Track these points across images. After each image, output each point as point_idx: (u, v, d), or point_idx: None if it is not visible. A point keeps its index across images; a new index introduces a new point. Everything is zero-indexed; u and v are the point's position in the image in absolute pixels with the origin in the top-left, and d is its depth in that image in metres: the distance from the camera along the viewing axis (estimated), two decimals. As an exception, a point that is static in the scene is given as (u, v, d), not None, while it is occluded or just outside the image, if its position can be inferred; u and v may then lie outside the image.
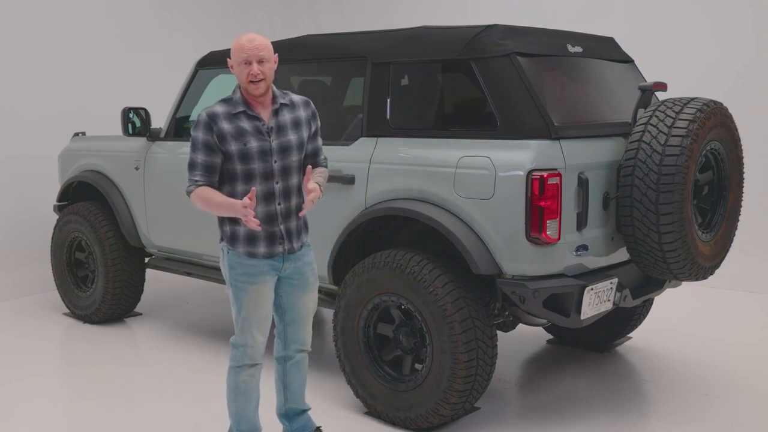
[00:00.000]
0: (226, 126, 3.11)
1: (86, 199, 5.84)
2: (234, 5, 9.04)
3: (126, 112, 5.21)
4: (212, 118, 3.11)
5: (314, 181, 3.21)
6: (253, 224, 2.95)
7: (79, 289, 5.85)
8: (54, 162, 6.39)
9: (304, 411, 3.61)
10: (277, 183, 3.18)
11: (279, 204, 3.20)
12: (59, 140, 6.49)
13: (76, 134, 6.15)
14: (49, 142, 6.74)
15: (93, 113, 7.19)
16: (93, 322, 5.76)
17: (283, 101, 3.22)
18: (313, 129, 3.33)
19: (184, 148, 5.02)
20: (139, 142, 5.35)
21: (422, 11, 8.16)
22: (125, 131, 5.24)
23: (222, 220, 3.24)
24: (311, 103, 3.34)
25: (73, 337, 5.55)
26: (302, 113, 3.27)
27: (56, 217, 6.04)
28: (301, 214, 3.22)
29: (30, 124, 6.89)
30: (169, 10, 8.25)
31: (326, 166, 3.45)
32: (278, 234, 3.20)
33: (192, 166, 3.15)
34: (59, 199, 6.01)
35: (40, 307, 6.30)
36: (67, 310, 6.06)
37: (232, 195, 3.15)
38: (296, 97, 3.30)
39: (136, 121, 5.24)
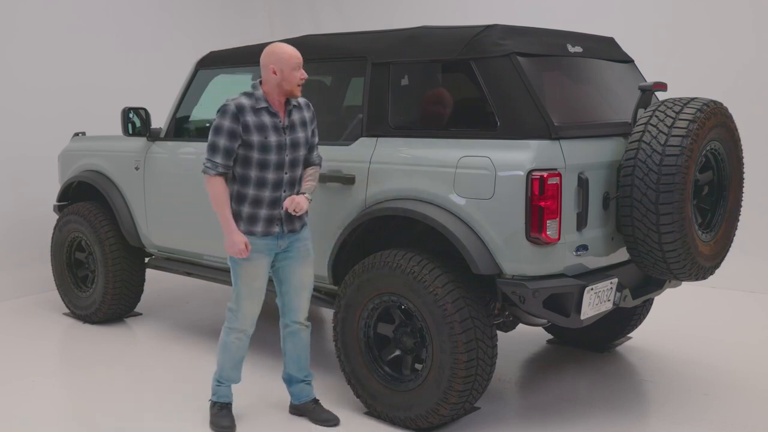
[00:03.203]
0: (251, 118, 3.57)
1: (86, 199, 5.85)
2: (234, 5, 9.03)
3: (126, 112, 5.20)
4: (240, 110, 3.56)
5: (303, 190, 3.72)
6: (244, 255, 3.58)
7: (79, 289, 5.85)
8: (54, 162, 6.39)
9: (302, 381, 4.00)
10: (286, 173, 3.66)
11: (285, 191, 3.67)
12: (59, 140, 6.49)
13: (76, 134, 6.15)
14: (49, 142, 6.74)
15: (93, 113, 7.19)
16: (93, 322, 5.76)
17: (294, 103, 3.70)
18: (313, 127, 3.81)
19: (184, 148, 5.02)
20: (139, 142, 5.35)
21: (422, 11, 8.16)
22: (125, 131, 5.24)
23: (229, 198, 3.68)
24: (311, 104, 3.83)
25: (73, 337, 5.55)
26: (306, 114, 3.77)
27: (56, 217, 6.04)
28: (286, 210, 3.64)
29: (30, 124, 6.89)
30: (169, 10, 8.25)
31: (320, 164, 3.88)
32: (277, 216, 3.67)
33: (213, 148, 3.57)
34: (59, 199, 6.01)
35: (40, 307, 6.30)
36: (67, 310, 6.06)
37: (245, 178, 3.62)
38: (301, 100, 3.77)
39: (136, 121, 5.23)
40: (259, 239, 3.64)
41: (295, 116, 3.69)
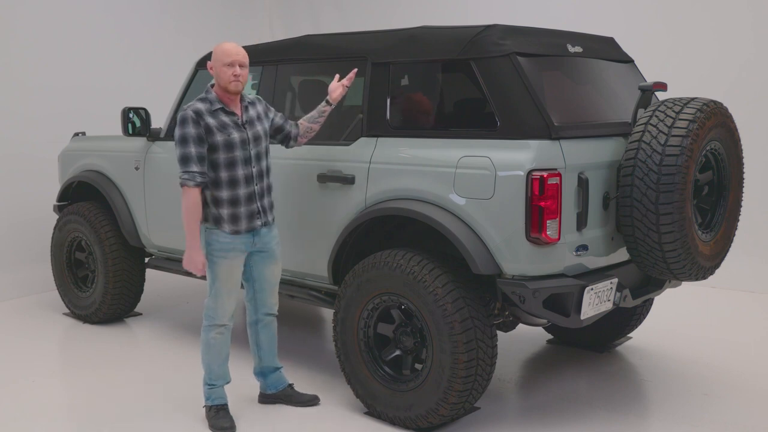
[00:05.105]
0: (210, 120, 3.64)
1: (86, 199, 5.85)
2: (234, 5, 9.04)
3: (126, 112, 5.20)
4: (198, 114, 3.63)
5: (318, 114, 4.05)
6: (201, 273, 3.68)
7: (79, 289, 5.85)
8: (54, 162, 6.39)
9: (277, 369, 4.17)
10: (253, 167, 3.76)
11: (256, 185, 3.78)
12: (59, 140, 6.49)
13: (76, 134, 6.15)
14: (49, 142, 6.74)
15: (93, 113, 7.19)
16: (93, 322, 5.76)
17: (249, 100, 3.87)
18: (272, 114, 3.98)
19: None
20: (139, 142, 5.35)
21: (422, 11, 8.16)
22: (125, 131, 5.24)
23: (205, 203, 3.73)
24: (261, 98, 4.01)
25: (73, 337, 5.55)
26: (259, 107, 3.91)
27: (56, 217, 6.04)
28: (337, 96, 4.00)
29: (30, 124, 6.89)
30: (169, 10, 8.25)
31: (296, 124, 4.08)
32: (256, 210, 3.78)
33: (186, 159, 3.63)
34: (59, 199, 6.01)
35: (40, 307, 6.30)
36: (67, 310, 6.06)
37: (216, 181, 3.69)
38: (253, 96, 3.95)
39: (136, 121, 5.23)
40: (238, 237, 3.73)
41: (251, 112, 3.82)
